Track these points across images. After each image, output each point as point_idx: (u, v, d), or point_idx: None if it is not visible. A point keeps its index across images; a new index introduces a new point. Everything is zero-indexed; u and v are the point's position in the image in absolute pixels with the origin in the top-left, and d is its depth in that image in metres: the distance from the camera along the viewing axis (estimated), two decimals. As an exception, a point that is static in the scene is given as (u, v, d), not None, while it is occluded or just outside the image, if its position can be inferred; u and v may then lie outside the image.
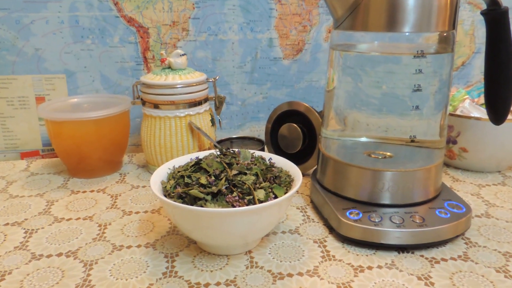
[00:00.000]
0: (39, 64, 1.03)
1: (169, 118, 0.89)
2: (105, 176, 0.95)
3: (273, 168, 0.68)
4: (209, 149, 0.95)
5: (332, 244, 0.67)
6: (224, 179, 0.61)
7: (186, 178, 0.63)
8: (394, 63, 0.68)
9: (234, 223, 0.57)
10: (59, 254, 0.65)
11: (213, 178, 0.62)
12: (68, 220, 0.75)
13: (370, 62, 0.69)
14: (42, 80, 1.04)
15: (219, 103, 0.95)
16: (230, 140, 0.95)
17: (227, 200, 0.59)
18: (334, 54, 0.72)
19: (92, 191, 0.88)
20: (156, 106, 0.90)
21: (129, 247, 0.67)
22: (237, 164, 0.66)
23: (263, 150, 0.89)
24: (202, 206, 0.58)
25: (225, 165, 0.64)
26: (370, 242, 0.65)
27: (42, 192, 0.87)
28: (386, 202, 0.69)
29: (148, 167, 0.97)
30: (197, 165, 0.66)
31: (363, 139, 0.76)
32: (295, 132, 0.91)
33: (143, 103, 0.92)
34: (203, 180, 0.61)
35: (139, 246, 0.67)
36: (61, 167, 1.00)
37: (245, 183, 0.61)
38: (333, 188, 0.74)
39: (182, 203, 0.60)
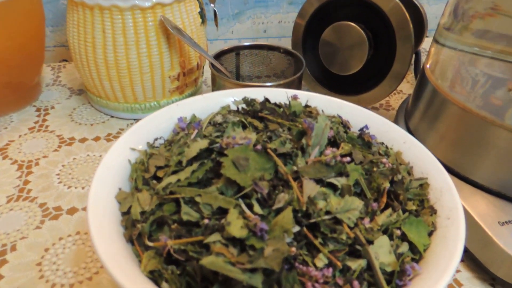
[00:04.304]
0: None
1: (120, 11, 0.45)
2: (8, 115, 0.53)
3: (380, 153, 0.30)
4: (198, 68, 0.53)
5: (478, 296, 0.34)
6: (288, 212, 0.23)
7: (185, 207, 0.24)
8: None
9: None
10: None
11: (258, 212, 0.23)
12: None
13: None
14: None
15: (213, -22, 0.51)
16: (236, 51, 0.53)
17: (307, 285, 0.22)
18: None
19: (-19, 152, 0.46)
20: (90, -17, 0.44)
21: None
22: (303, 154, 0.27)
23: (300, 77, 0.48)
24: (239, 307, 0.21)
25: (280, 164, 0.25)
26: None
27: None
28: None
29: (88, 96, 0.55)
30: (208, 155, 0.27)
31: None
32: (355, 36, 0.50)
33: (64, -25, 0.46)
34: (235, 229, 0.22)
35: (78, 322, 0.30)
36: None
37: (341, 223, 0.24)
38: (456, 166, 0.38)
39: (181, 279, 0.23)
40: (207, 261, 0.21)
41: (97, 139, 0.49)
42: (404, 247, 0.24)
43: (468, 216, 0.35)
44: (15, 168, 0.44)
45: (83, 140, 0.49)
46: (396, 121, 0.47)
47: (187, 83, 0.53)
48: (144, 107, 0.52)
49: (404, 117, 0.46)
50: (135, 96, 0.50)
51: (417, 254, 0.25)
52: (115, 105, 0.51)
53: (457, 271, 0.36)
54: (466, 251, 0.37)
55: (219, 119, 0.31)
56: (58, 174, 0.43)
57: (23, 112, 0.53)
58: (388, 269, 0.23)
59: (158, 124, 0.33)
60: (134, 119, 0.53)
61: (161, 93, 0.51)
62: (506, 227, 0.34)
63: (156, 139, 0.32)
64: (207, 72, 0.64)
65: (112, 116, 0.53)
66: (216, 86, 0.48)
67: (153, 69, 0.48)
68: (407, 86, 0.63)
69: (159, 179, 0.27)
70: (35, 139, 0.48)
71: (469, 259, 0.36)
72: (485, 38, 0.37)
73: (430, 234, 0.26)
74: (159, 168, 0.28)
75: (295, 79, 0.47)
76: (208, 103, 0.35)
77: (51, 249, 0.36)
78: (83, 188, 0.42)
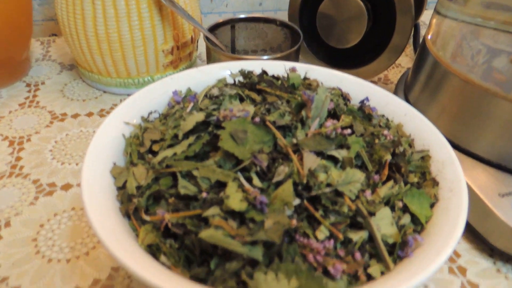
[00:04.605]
0: None
1: (109, -20, 0.43)
2: (-2, 91, 0.51)
3: (380, 125, 0.30)
4: (192, 41, 0.52)
5: (478, 263, 0.34)
6: (288, 185, 0.22)
7: (182, 181, 0.23)
8: None
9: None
10: None
11: (257, 185, 0.23)
12: None
13: None
14: None
15: None
16: (231, 24, 0.51)
17: (308, 257, 0.21)
18: None
19: (-29, 129, 0.45)
20: (78, -49, 0.42)
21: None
22: (303, 126, 0.26)
23: (297, 50, 0.47)
24: (239, 279, 0.20)
25: (279, 136, 0.25)
26: None
27: None
28: None
29: (79, 71, 0.54)
30: (205, 128, 0.26)
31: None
32: (354, 8, 0.49)
33: None
34: (234, 203, 0.21)
35: (75, 297, 0.30)
36: None
37: (342, 195, 0.23)
38: (456, 138, 0.38)
39: (180, 253, 0.22)
40: (206, 234, 0.21)
41: (90, 114, 0.48)
42: (406, 219, 0.24)
43: (468, 189, 0.35)
44: (6, 145, 0.43)
45: (75, 116, 0.48)
46: (395, 94, 0.47)
47: (181, 57, 0.52)
48: (137, 82, 0.50)
49: (404, 90, 0.46)
50: (128, 71, 0.49)
51: (419, 226, 0.24)
52: (107, 80, 0.50)
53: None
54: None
55: (215, 92, 0.30)
56: (51, 150, 0.43)
57: (12, 88, 0.52)
58: (390, 241, 0.23)
59: (152, 98, 0.32)
60: (128, 95, 0.51)
61: (155, 68, 0.50)
62: (506, 198, 0.34)
63: (150, 113, 0.31)
64: (202, 46, 0.62)
65: (105, 92, 0.52)
66: (211, 60, 0.47)
67: (145, 42, 0.47)
68: (406, 60, 0.62)
69: (154, 153, 0.27)
70: (26, 115, 0.47)
71: (468, 230, 0.36)
72: (488, 8, 0.36)
73: (432, 206, 0.25)
74: (154, 142, 0.27)
75: (292, 52, 0.45)
76: (203, 76, 0.34)
77: (46, 225, 0.35)
78: (77, 164, 0.41)
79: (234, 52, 0.54)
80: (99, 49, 0.47)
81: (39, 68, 0.56)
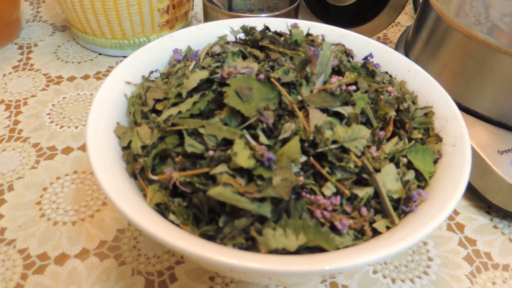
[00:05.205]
0: None
1: None
2: (-10, 54, 0.50)
3: (384, 82, 0.29)
4: (188, 0, 0.50)
5: (475, 220, 0.35)
6: (295, 142, 0.22)
7: (189, 139, 0.23)
8: None
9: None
10: None
11: (264, 142, 0.23)
12: None
13: None
14: None
15: None
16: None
17: (315, 213, 0.22)
18: None
19: (-35, 93, 0.44)
20: None
21: (60, 258, 0.30)
22: (307, 83, 0.26)
23: (296, 8, 0.46)
24: (248, 235, 0.21)
25: (284, 93, 0.24)
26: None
27: None
28: None
29: (72, 32, 0.52)
30: (209, 87, 0.26)
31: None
32: (353, -35, 0.47)
33: None
34: (242, 160, 0.21)
35: (84, 254, 0.31)
36: None
37: (348, 151, 0.23)
38: (457, 96, 0.38)
39: (188, 209, 0.23)
40: (215, 191, 0.21)
41: (86, 77, 0.47)
42: (410, 175, 0.24)
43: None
44: (3, 108, 0.42)
45: (71, 78, 0.47)
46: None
47: (177, 17, 0.50)
48: (133, 43, 0.49)
49: (405, 48, 0.45)
50: (123, 31, 0.48)
51: (423, 181, 0.25)
52: (102, 41, 0.49)
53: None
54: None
55: (217, 49, 0.30)
56: (48, 114, 0.42)
57: (4, 50, 0.50)
58: (395, 196, 0.23)
59: (152, 56, 0.31)
60: (124, 56, 0.50)
61: (150, 28, 0.49)
62: (505, 155, 0.34)
63: (151, 72, 0.30)
64: (197, 6, 0.61)
65: (100, 54, 0.51)
66: (208, 19, 0.46)
67: (140, 0, 0.45)
68: (405, 18, 0.61)
69: (158, 113, 0.26)
70: (20, 78, 0.46)
71: (466, 188, 0.37)
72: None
73: (436, 161, 0.25)
74: (157, 101, 0.27)
75: (291, 10, 0.44)
76: (203, 34, 0.33)
77: (50, 188, 0.35)
78: (76, 127, 0.41)
79: (230, 12, 0.52)
80: (92, 8, 0.45)
81: (31, 30, 0.54)
